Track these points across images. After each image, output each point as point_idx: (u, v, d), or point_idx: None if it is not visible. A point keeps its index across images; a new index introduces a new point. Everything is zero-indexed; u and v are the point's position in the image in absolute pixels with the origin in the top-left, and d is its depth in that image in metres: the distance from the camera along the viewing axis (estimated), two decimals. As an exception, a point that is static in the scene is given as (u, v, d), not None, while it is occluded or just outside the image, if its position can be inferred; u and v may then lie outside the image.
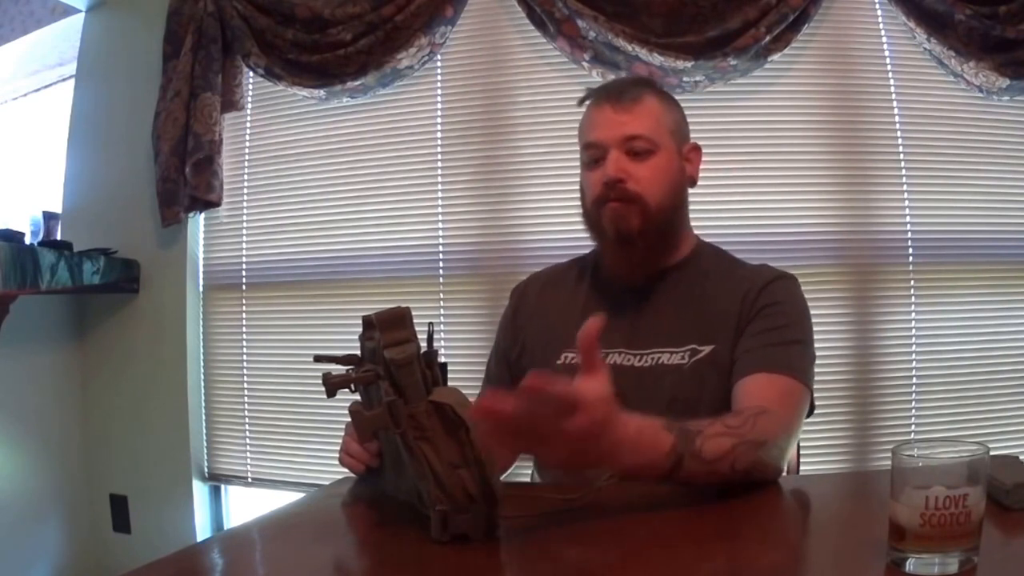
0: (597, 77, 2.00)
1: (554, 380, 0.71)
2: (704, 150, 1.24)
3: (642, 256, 1.16)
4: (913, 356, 1.95)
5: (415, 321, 0.80)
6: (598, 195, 1.16)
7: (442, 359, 0.83)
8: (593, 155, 1.17)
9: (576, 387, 0.74)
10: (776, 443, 0.93)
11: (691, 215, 1.24)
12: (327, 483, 1.14)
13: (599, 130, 1.16)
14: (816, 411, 1.12)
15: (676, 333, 1.14)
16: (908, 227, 1.97)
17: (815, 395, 1.10)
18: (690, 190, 1.23)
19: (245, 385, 2.42)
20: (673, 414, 1.10)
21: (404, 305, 0.80)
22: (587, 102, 1.21)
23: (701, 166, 1.23)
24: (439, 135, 2.22)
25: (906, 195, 1.96)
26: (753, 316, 1.11)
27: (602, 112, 1.17)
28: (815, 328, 1.16)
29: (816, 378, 1.10)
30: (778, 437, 0.94)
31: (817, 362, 1.12)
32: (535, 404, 0.70)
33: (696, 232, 1.26)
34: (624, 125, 1.14)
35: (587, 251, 1.30)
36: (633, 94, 1.16)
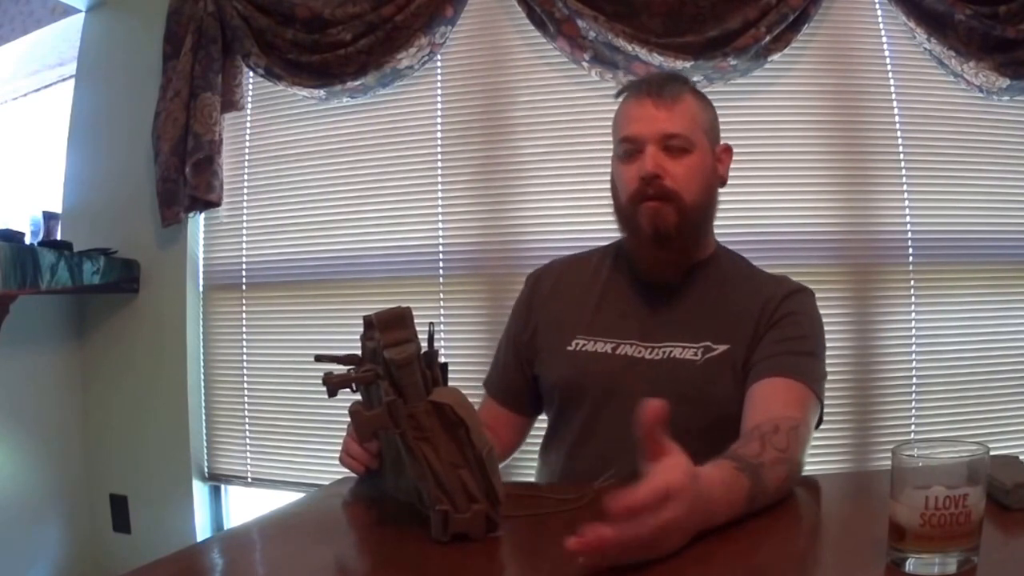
0: (596, 77, 2.00)
1: (636, 494, 0.66)
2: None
3: (677, 254, 1.17)
4: (913, 356, 1.95)
5: (415, 321, 0.80)
6: (634, 191, 1.15)
7: (442, 359, 0.83)
8: (629, 149, 1.17)
9: (661, 478, 0.68)
10: (804, 455, 0.96)
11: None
12: (327, 483, 1.14)
13: (638, 124, 1.16)
14: (820, 422, 1.12)
15: (691, 329, 1.15)
16: (908, 227, 1.97)
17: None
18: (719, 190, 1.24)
19: (245, 385, 2.42)
20: (680, 409, 1.10)
21: (404, 305, 0.80)
22: (623, 95, 1.21)
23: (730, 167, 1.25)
24: (439, 135, 2.22)
25: (906, 195, 1.96)
26: (773, 324, 1.12)
27: (642, 106, 1.16)
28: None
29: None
30: (803, 448, 0.96)
31: (817, 362, 1.13)
32: (632, 523, 0.66)
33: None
34: (664, 122, 1.14)
35: (599, 245, 1.31)
36: (673, 91, 1.16)
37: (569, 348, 1.20)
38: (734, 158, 1.92)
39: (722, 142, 1.25)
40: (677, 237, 1.14)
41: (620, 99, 1.23)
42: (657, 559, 0.68)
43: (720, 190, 1.25)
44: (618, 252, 1.27)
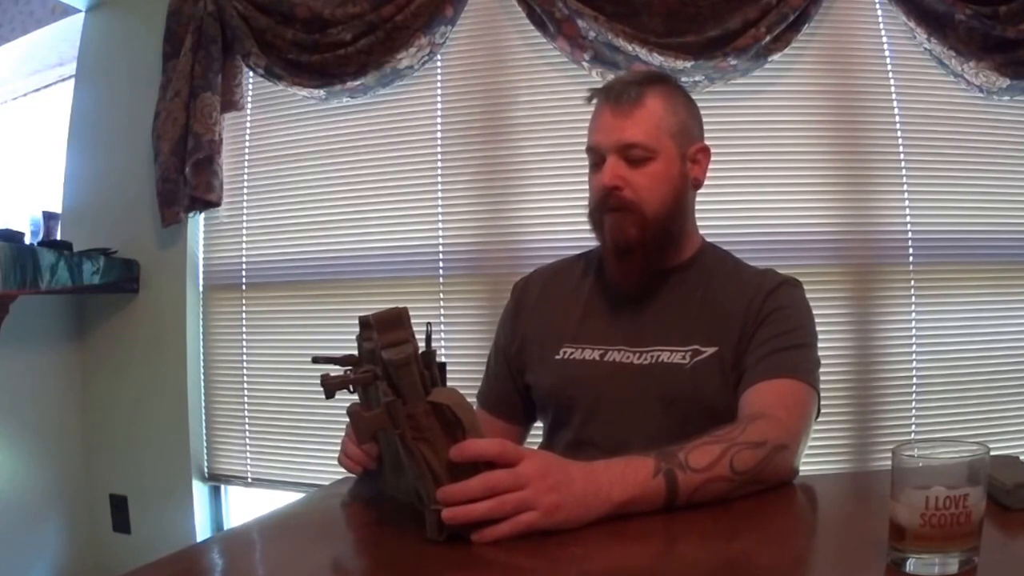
0: (597, 77, 2.00)
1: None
2: (706, 150, 1.23)
3: (640, 265, 1.16)
4: (913, 356, 1.95)
5: (415, 321, 0.80)
6: (598, 201, 1.16)
7: (441, 359, 0.83)
8: (594, 159, 1.18)
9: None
10: (780, 443, 0.92)
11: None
12: (327, 483, 1.14)
13: (597, 134, 1.16)
14: (818, 412, 1.12)
15: (679, 333, 1.14)
16: (908, 227, 1.96)
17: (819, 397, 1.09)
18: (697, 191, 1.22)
19: (245, 385, 2.41)
20: (671, 413, 1.11)
21: (403, 305, 0.80)
22: (593, 100, 1.20)
23: (708, 167, 1.22)
24: (439, 135, 2.22)
25: (906, 195, 1.96)
26: (760, 323, 1.11)
27: (601, 116, 1.16)
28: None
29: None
30: (780, 438, 0.93)
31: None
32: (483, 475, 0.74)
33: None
34: (622, 131, 1.13)
35: (591, 248, 1.30)
36: (633, 95, 1.13)
37: (557, 357, 1.19)
38: (735, 158, 1.96)
39: (703, 142, 1.21)
40: (639, 248, 1.14)
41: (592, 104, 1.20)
42: (563, 526, 0.75)
43: (702, 190, 1.22)
44: (601, 257, 1.26)
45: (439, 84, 2.22)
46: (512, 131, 2.14)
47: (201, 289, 2.46)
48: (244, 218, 2.41)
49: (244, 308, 2.42)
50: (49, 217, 2.43)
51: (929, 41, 1.89)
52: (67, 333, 2.46)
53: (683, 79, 1.94)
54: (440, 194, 2.21)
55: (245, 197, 2.41)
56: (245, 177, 2.40)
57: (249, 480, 2.41)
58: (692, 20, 1.94)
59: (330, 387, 0.79)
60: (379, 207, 2.26)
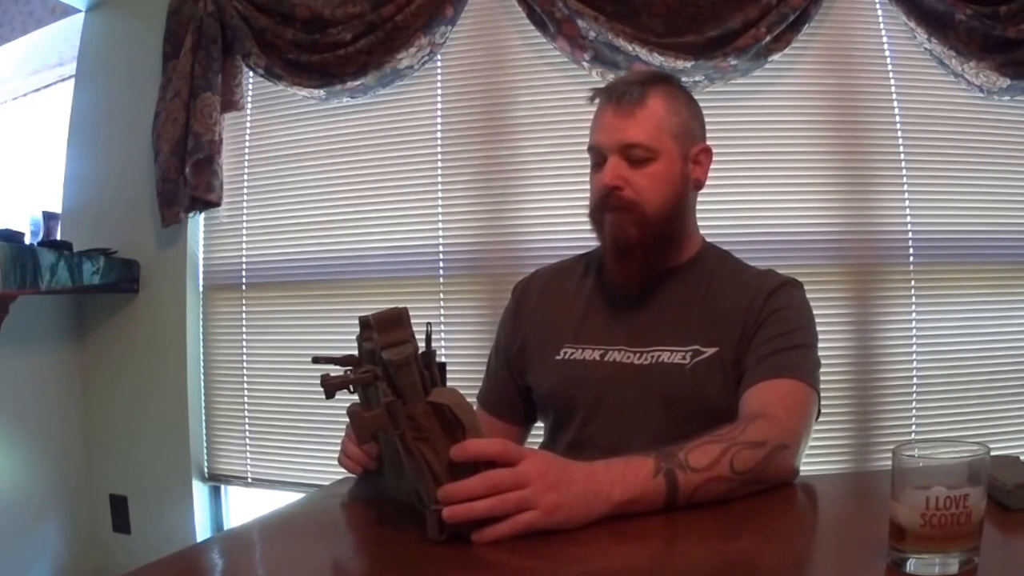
0: (597, 77, 2.00)
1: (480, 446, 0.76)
2: (707, 151, 1.23)
3: (639, 265, 1.16)
4: (914, 356, 1.95)
5: (415, 322, 0.80)
6: (598, 200, 1.16)
7: (441, 359, 0.83)
8: (595, 159, 1.18)
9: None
10: (780, 443, 0.92)
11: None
12: (327, 483, 1.14)
13: (599, 134, 1.16)
14: (819, 412, 1.11)
15: (679, 333, 1.14)
16: (908, 227, 1.96)
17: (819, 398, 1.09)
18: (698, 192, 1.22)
19: (245, 385, 2.41)
20: (671, 413, 1.11)
21: (403, 305, 0.80)
22: (596, 100, 1.20)
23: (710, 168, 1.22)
24: (439, 135, 2.22)
25: (906, 195, 1.96)
26: (760, 323, 1.11)
27: (603, 115, 1.16)
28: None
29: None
30: (781, 437, 0.93)
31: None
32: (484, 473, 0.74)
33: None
34: (623, 131, 1.13)
35: (591, 249, 1.30)
36: (636, 96, 1.14)
37: (558, 358, 1.19)
38: (735, 158, 1.96)
39: (705, 142, 1.21)
40: (638, 247, 1.14)
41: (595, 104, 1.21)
42: (563, 526, 0.75)
43: (703, 190, 1.22)
44: (602, 257, 1.26)
45: (439, 84, 2.22)
46: (512, 131, 2.14)
47: (201, 289, 2.46)
48: (244, 218, 2.41)
49: (244, 308, 2.42)
50: (49, 217, 2.43)
51: (929, 41, 1.89)
52: (67, 333, 2.46)
53: (683, 79, 1.94)
54: (440, 194, 2.21)
55: (245, 197, 2.41)
56: (245, 177, 2.40)
57: (249, 480, 2.41)
58: (692, 20, 1.94)
59: (330, 387, 0.79)
60: (379, 207, 2.26)
